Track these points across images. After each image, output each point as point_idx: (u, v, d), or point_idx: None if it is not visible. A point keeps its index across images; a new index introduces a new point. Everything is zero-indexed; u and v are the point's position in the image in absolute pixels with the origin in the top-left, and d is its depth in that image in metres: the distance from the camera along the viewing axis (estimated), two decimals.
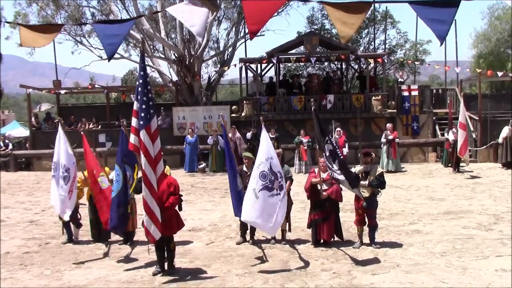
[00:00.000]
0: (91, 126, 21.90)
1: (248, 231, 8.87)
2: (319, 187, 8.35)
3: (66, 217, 8.69)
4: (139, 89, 6.79)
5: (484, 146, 18.83)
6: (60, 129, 8.95)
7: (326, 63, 27.07)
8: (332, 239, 8.58)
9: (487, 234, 8.96)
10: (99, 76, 50.55)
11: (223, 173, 17.80)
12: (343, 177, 7.61)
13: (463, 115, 15.66)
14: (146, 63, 7.98)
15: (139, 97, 6.80)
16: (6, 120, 40.31)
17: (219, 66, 25.78)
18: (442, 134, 19.40)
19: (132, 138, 6.93)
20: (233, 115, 20.50)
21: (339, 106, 20.49)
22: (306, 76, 27.17)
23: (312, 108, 8.44)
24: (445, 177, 15.76)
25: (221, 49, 25.85)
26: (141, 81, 6.83)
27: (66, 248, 8.90)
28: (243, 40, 24.42)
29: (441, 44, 4.45)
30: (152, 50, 24.32)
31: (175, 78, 23.57)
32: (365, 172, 8.27)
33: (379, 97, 20.35)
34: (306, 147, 17.53)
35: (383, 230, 9.24)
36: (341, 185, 8.07)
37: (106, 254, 8.40)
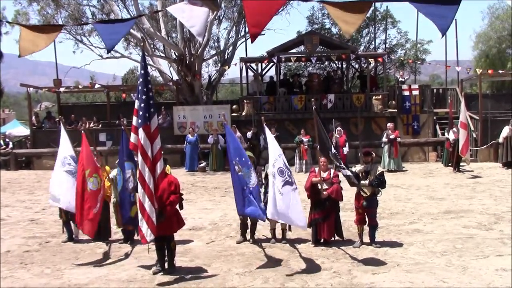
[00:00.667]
0: (91, 125, 21.90)
1: (248, 230, 8.88)
2: (319, 187, 8.35)
3: (72, 209, 8.61)
4: (139, 87, 6.81)
5: (485, 146, 18.83)
6: (62, 128, 8.98)
7: (326, 63, 27.06)
8: (333, 238, 8.58)
9: (487, 233, 8.96)
10: (100, 75, 50.58)
11: (224, 172, 17.84)
12: (349, 172, 7.67)
13: (464, 114, 15.66)
14: (147, 62, 7.96)
15: (139, 96, 6.81)
16: (7, 119, 40.28)
17: (219, 65, 25.78)
18: (443, 134, 19.39)
19: (133, 137, 6.93)
20: (234, 114, 20.50)
21: (340, 105, 20.49)
22: (306, 76, 27.17)
23: (313, 108, 8.47)
24: (445, 177, 15.75)
25: (221, 48, 25.84)
26: (141, 79, 6.84)
27: (67, 247, 8.91)
28: (244, 39, 24.43)
29: (442, 36, 4.44)
30: (153, 49, 24.30)
31: (175, 77, 23.58)
32: (365, 171, 8.27)
33: (380, 96, 20.36)
34: (306, 146, 17.53)
35: (384, 229, 9.25)
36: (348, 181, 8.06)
37: (107, 253, 8.40)
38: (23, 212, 12.16)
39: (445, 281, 6.62)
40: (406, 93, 20.61)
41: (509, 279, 6.58)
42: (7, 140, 22.54)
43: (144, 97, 6.74)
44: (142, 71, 6.92)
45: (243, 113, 20.45)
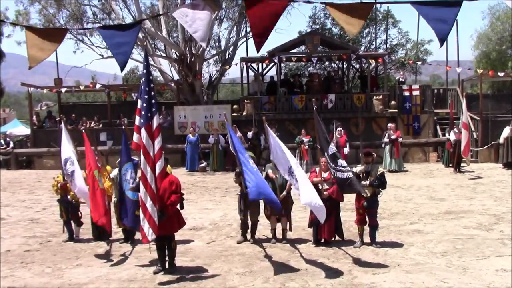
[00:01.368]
0: (92, 124, 21.91)
1: (248, 230, 8.88)
2: (320, 187, 8.35)
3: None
4: (142, 87, 6.82)
5: (485, 146, 18.82)
6: (63, 127, 9.00)
7: (327, 63, 27.08)
8: (333, 239, 8.59)
9: (487, 234, 8.96)
10: (100, 75, 50.57)
11: (224, 172, 17.85)
12: (351, 173, 7.66)
13: (466, 115, 15.65)
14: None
15: (141, 95, 6.83)
16: (7, 118, 40.38)
17: (220, 65, 25.78)
18: (443, 134, 19.38)
19: (135, 137, 6.94)
20: (234, 114, 20.50)
21: (340, 105, 20.48)
22: (307, 76, 27.16)
23: (315, 109, 8.49)
24: (446, 177, 15.75)
25: (222, 48, 25.84)
26: (144, 79, 6.86)
27: (67, 246, 8.92)
28: (244, 39, 24.42)
29: (441, 46, 4.48)
30: (154, 49, 24.32)
31: (176, 77, 23.58)
32: (366, 172, 8.27)
33: (380, 96, 20.35)
34: (307, 146, 17.52)
35: (384, 229, 9.25)
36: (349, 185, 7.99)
37: (108, 253, 8.41)
38: (23, 211, 12.17)
39: (445, 281, 6.63)
40: (407, 93, 20.60)
41: (509, 280, 6.59)
42: (7, 139, 22.54)
43: (146, 96, 6.75)
44: (145, 71, 6.93)
45: (244, 113, 20.45)
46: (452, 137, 16.73)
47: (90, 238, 9.24)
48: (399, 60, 28.97)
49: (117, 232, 9.26)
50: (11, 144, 22.10)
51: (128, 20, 22.40)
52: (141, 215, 6.85)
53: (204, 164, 18.85)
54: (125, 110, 18.29)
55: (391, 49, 28.80)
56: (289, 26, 26.31)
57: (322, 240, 8.52)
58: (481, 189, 13.43)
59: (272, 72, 23.52)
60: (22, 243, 9.20)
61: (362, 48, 28.89)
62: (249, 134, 18.48)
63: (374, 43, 27.62)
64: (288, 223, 8.79)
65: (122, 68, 5.08)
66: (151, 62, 22.60)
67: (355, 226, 8.63)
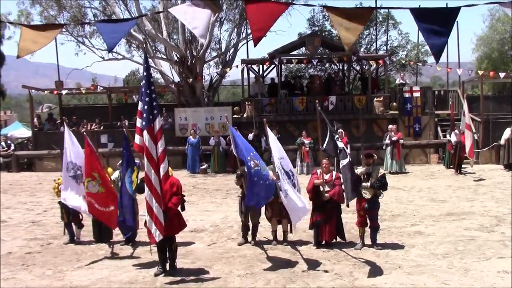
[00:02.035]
0: (93, 126, 21.93)
1: (249, 232, 8.88)
2: (321, 189, 8.35)
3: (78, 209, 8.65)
4: (143, 89, 6.82)
5: (486, 148, 18.81)
6: (67, 129, 8.99)
7: (328, 64, 27.08)
8: (334, 240, 8.59)
9: (489, 235, 8.95)
10: (101, 77, 50.62)
11: (225, 174, 17.85)
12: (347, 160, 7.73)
13: (468, 116, 15.65)
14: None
15: (142, 98, 6.83)
16: (8, 120, 40.38)
17: (221, 67, 25.79)
18: (444, 136, 19.37)
19: (137, 139, 6.94)
20: (235, 116, 20.50)
21: (341, 107, 20.49)
22: (308, 77, 27.16)
23: (318, 108, 8.56)
24: (447, 179, 15.74)
25: (223, 50, 25.85)
26: (144, 81, 6.86)
27: (68, 248, 8.92)
28: (245, 41, 24.44)
29: (437, 62, 4.54)
30: (154, 51, 24.33)
31: (177, 79, 23.59)
32: (367, 173, 8.27)
33: (381, 98, 20.36)
34: (308, 148, 17.52)
35: (385, 231, 9.24)
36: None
37: (112, 254, 8.40)
38: (24, 214, 12.18)
39: (446, 283, 6.62)
40: (408, 95, 20.60)
41: (511, 281, 6.58)
42: (8, 142, 22.57)
43: (147, 99, 6.75)
44: (145, 73, 6.93)
45: (245, 115, 20.46)
46: (453, 138, 16.73)
47: (91, 240, 9.24)
48: (399, 61, 28.95)
49: (117, 234, 9.25)
50: (12, 147, 22.13)
51: None
52: (147, 217, 6.88)
53: (205, 166, 18.85)
54: (126, 112, 18.32)
55: (391, 50, 28.79)
56: (289, 28, 26.39)
57: (323, 242, 8.51)
58: (482, 191, 13.42)
59: (273, 74, 23.55)
60: (23, 245, 9.21)
61: (363, 49, 28.88)
62: (250, 136, 18.44)
63: (374, 44, 27.64)
64: (289, 225, 8.78)
65: (109, 50, 5.26)
66: (152, 64, 22.63)
67: (356, 228, 8.62)
